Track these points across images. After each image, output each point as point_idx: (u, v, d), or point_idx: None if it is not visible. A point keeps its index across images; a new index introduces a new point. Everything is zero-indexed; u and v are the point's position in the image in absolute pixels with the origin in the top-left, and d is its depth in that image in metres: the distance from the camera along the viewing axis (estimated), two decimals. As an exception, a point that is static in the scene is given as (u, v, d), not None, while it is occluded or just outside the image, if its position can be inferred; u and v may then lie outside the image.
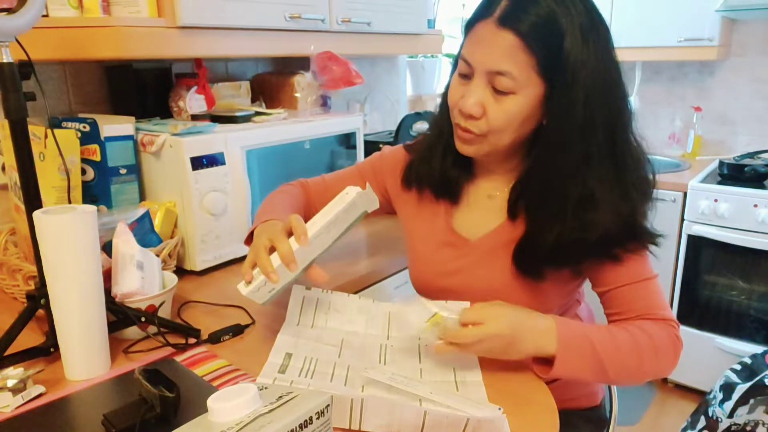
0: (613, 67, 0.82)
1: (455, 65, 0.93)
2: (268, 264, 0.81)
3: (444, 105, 0.95)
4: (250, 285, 0.83)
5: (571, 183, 0.83)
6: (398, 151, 1.07)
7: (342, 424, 0.71)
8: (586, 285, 1.03)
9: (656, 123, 2.75)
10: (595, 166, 0.82)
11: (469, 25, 0.84)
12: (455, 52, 0.93)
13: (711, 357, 2.20)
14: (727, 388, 1.72)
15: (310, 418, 0.54)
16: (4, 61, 0.79)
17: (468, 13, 0.90)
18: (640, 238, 0.86)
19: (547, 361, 0.81)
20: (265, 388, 0.57)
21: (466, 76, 0.85)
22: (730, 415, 1.67)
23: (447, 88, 0.96)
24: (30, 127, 0.84)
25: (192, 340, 0.94)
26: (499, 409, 0.71)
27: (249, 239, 0.97)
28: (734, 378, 1.75)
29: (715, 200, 2.09)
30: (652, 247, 0.88)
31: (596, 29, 0.80)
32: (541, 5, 0.78)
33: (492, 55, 0.80)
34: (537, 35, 0.78)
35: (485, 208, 0.97)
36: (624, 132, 0.85)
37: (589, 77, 0.79)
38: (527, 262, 0.89)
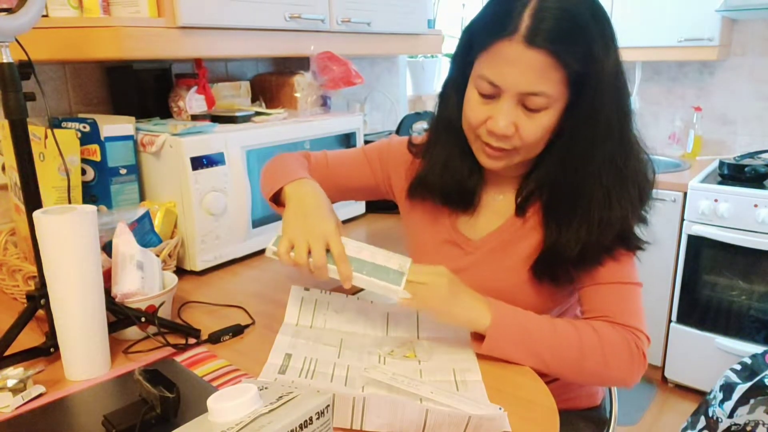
0: (622, 65, 0.83)
1: (455, 74, 0.91)
2: (325, 270, 0.83)
3: (449, 120, 0.92)
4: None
5: (595, 185, 0.83)
6: (404, 149, 1.05)
7: (343, 424, 0.71)
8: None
9: (656, 123, 2.75)
10: (610, 166, 0.83)
11: (484, 44, 0.80)
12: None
13: (711, 357, 2.20)
14: (727, 388, 1.73)
15: (310, 418, 0.54)
16: (4, 61, 0.78)
17: (468, 14, 0.89)
18: (628, 242, 0.86)
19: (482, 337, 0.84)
20: (265, 388, 0.57)
21: (490, 96, 0.82)
22: (730, 415, 1.67)
23: (443, 102, 0.94)
24: (30, 127, 0.84)
25: (192, 340, 0.93)
26: (500, 408, 0.71)
27: (275, 196, 0.95)
28: (734, 378, 1.75)
29: (715, 200, 2.09)
30: (638, 253, 0.89)
31: (610, 28, 0.80)
32: (564, 14, 0.75)
33: (524, 77, 0.77)
34: (567, 48, 0.76)
35: (490, 208, 0.97)
36: (630, 130, 0.85)
37: (610, 80, 0.79)
38: (549, 269, 0.89)
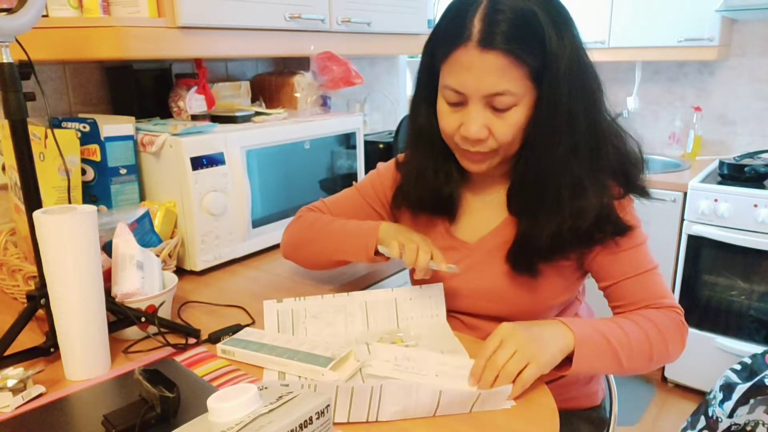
0: (583, 51, 0.83)
1: (422, 87, 0.92)
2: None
3: (420, 131, 0.94)
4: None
5: (563, 175, 0.84)
6: (392, 170, 1.06)
7: (360, 418, 0.71)
8: (588, 285, 1.03)
9: (656, 123, 2.75)
10: (580, 154, 0.84)
11: (444, 55, 0.82)
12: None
13: (711, 357, 2.20)
14: (727, 388, 1.72)
15: (310, 418, 0.54)
16: (4, 61, 0.79)
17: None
18: (607, 227, 0.86)
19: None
20: (265, 388, 0.57)
21: (458, 104, 0.84)
22: (730, 415, 1.67)
23: (413, 114, 0.95)
24: (30, 127, 0.84)
25: (192, 340, 0.94)
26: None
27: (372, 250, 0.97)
28: (734, 378, 1.75)
29: (715, 200, 2.09)
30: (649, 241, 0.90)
31: (562, 16, 0.80)
32: (513, 13, 0.76)
33: (485, 79, 0.79)
34: (521, 46, 0.77)
35: (482, 211, 0.97)
36: (600, 114, 0.86)
37: (568, 68, 0.80)
38: (524, 259, 0.89)
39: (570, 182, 0.84)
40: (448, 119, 0.86)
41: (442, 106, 0.86)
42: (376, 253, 0.96)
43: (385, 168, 1.09)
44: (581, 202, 0.84)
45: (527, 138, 0.85)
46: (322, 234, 1.04)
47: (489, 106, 0.81)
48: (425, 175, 0.95)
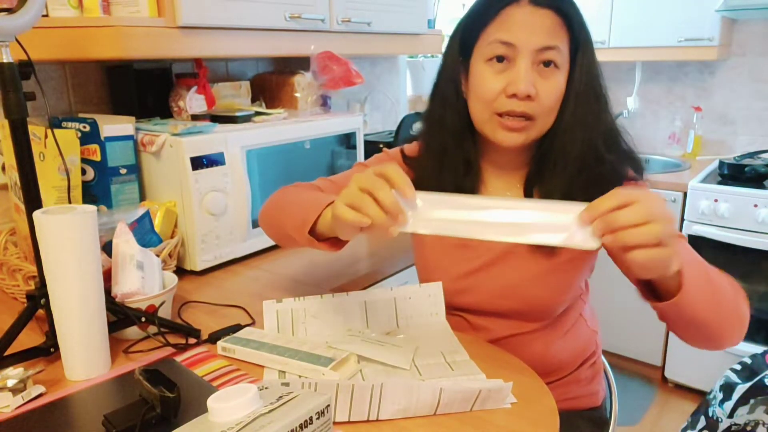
0: None
1: (449, 68, 0.92)
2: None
3: (441, 120, 0.92)
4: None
5: (586, 148, 0.86)
6: (399, 155, 1.04)
7: (360, 417, 0.71)
8: (591, 286, 1.03)
9: (656, 123, 2.74)
10: (603, 133, 0.87)
11: (491, 15, 0.84)
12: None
13: (711, 357, 2.20)
14: (727, 388, 1.72)
15: (310, 418, 0.54)
16: (4, 61, 0.79)
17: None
18: None
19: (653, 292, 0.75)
20: (265, 388, 0.57)
21: (504, 60, 0.84)
22: (730, 415, 1.67)
23: (436, 100, 0.94)
24: (30, 127, 0.84)
25: (192, 340, 0.93)
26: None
27: (314, 227, 0.84)
28: (734, 378, 1.75)
29: (715, 200, 2.09)
30: None
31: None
32: None
33: (539, 32, 0.82)
34: (569, 9, 0.82)
35: None
36: (607, 97, 0.89)
37: (591, 49, 0.86)
38: None
39: (593, 156, 0.86)
40: (491, 82, 0.85)
41: (483, 70, 0.86)
42: (318, 236, 0.84)
43: (394, 151, 1.07)
44: (599, 169, 0.86)
45: (558, 115, 0.87)
46: (283, 204, 0.95)
47: (536, 64, 0.84)
48: (444, 169, 0.93)
